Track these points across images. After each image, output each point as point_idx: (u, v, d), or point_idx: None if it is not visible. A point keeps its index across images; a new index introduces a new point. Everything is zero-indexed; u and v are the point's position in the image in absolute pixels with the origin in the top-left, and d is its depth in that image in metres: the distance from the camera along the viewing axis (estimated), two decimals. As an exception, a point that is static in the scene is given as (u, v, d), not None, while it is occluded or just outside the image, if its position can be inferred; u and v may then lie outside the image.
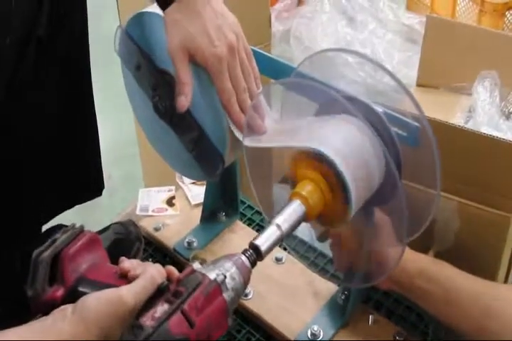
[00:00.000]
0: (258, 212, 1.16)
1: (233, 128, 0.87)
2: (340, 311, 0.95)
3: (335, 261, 0.98)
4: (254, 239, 0.73)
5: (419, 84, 1.62)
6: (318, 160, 0.76)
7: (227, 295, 0.69)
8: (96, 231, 1.08)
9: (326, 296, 0.99)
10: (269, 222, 0.75)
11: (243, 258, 0.72)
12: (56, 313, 0.65)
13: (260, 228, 1.14)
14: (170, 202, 1.21)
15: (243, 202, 1.18)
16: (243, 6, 1.39)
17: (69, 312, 0.65)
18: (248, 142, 0.85)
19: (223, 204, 1.13)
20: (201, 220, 1.12)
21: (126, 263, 0.72)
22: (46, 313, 0.66)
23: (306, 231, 1.02)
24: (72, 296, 0.67)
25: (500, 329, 0.79)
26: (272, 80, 0.94)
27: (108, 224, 1.13)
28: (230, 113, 0.85)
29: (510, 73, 1.47)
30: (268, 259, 1.03)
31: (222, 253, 0.74)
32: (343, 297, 0.96)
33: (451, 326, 0.85)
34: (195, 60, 0.83)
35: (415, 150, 0.79)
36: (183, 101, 0.83)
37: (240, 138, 0.86)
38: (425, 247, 1.05)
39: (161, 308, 0.65)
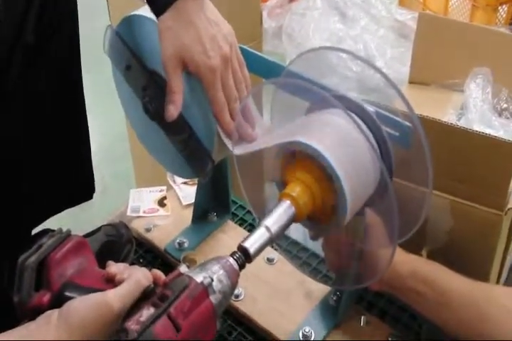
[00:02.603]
0: (250, 212, 1.16)
1: (223, 137, 0.87)
2: (332, 312, 0.95)
3: (327, 261, 0.97)
4: (243, 241, 0.73)
5: (411, 81, 1.61)
6: (309, 160, 0.75)
7: (214, 298, 0.68)
8: (87, 232, 1.08)
9: (317, 297, 0.98)
10: (259, 224, 0.74)
11: (231, 260, 0.71)
12: (41, 318, 0.65)
13: (252, 228, 1.13)
14: (161, 203, 1.20)
15: (235, 202, 1.18)
16: (234, 4, 1.38)
17: (54, 317, 0.64)
18: (238, 150, 0.85)
19: (214, 205, 1.13)
20: (192, 220, 1.12)
21: (113, 268, 0.71)
22: (33, 319, 0.65)
23: (299, 229, 1.01)
24: (59, 301, 0.66)
25: (491, 331, 0.79)
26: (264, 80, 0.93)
27: (100, 223, 1.13)
28: (220, 122, 0.86)
29: (502, 70, 1.46)
30: (260, 260, 1.04)
31: (214, 254, 0.74)
32: (334, 298, 0.96)
33: (443, 327, 0.85)
34: (189, 69, 0.83)
35: (407, 149, 0.78)
36: (172, 111, 0.83)
37: (230, 147, 0.87)
38: (418, 246, 1.04)
39: (147, 312, 0.64)
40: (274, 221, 0.74)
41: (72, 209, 1.24)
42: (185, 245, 1.08)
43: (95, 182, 1.25)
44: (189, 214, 1.12)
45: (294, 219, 0.76)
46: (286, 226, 0.75)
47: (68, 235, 0.75)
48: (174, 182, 1.23)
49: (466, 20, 1.94)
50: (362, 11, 2.14)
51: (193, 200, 1.12)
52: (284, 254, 1.02)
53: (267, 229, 0.73)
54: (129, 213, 1.17)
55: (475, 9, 1.90)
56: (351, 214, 0.77)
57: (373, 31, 2.08)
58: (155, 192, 1.23)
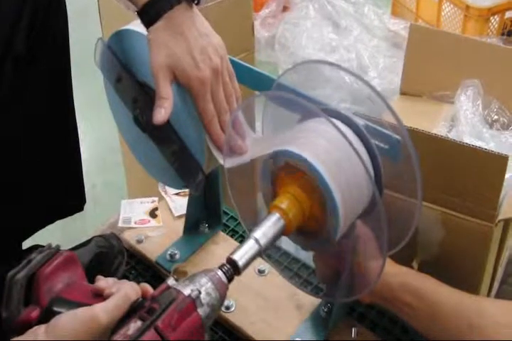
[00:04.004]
0: (241, 223, 1.15)
1: (213, 149, 0.87)
2: (323, 324, 0.95)
3: (317, 273, 0.97)
4: (232, 253, 0.73)
5: (402, 93, 1.62)
6: (299, 172, 0.75)
7: (202, 311, 0.68)
8: (78, 243, 1.08)
9: (308, 309, 0.98)
10: (248, 236, 0.75)
11: (219, 273, 0.71)
12: (28, 334, 0.64)
13: (243, 239, 1.12)
14: (153, 214, 1.19)
15: (226, 213, 1.17)
16: (226, 15, 1.39)
17: (41, 332, 0.64)
18: (228, 163, 0.85)
19: (206, 216, 1.12)
20: (184, 232, 1.12)
21: (102, 282, 0.71)
22: (21, 334, 0.65)
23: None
24: (48, 316, 0.66)
25: None
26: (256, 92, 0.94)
27: (91, 233, 1.13)
28: (210, 134, 0.86)
29: (493, 81, 1.47)
30: (251, 271, 1.04)
31: (205, 266, 0.74)
32: (325, 309, 0.95)
33: (433, 339, 0.85)
34: (179, 80, 0.83)
35: (396, 161, 0.78)
36: (160, 114, 0.82)
37: (220, 160, 0.87)
38: (409, 257, 1.04)
39: (134, 325, 0.64)
40: (263, 233, 0.74)
41: (64, 219, 1.24)
42: (177, 256, 1.07)
43: (87, 192, 1.25)
44: (180, 225, 1.12)
45: (283, 231, 0.76)
46: (276, 238, 0.76)
47: (57, 250, 0.75)
48: (166, 193, 1.23)
49: (458, 31, 1.95)
50: (355, 20, 2.14)
51: (184, 211, 1.12)
52: (275, 266, 1.02)
53: (256, 241, 0.74)
54: (120, 224, 1.17)
55: (467, 19, 1.91)
56: (342, 232, 0.77)
57: (366, 41, 2.08)
58: (146, 203, 1.22)
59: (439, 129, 1.40)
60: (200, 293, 0.68)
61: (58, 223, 1.23)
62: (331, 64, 0.82)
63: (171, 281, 0.70)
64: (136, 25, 0.86)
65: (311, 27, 2.11)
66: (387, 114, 0.77)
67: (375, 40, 2.10)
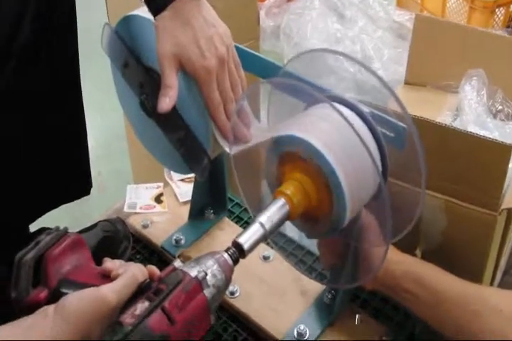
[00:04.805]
0: (246, 210, 1.16)
1: (218, 137, 0.88)
2: (327, 310, 0.95)
3: (322, 260, 0.98)
4: (237, 237, 0.74)
5: (407, 82, 1.63)
6: (304, 159, 0.76)
7: (208, 292, 0.69)
8: (84, 228, 1.08)
9: (313, 295, 0.99)
10: (253, 220, 0.75)
11: (225, 256, 0.72)
12: (37, 313, 0.66)
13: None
14: (158, 199, 1.20)
15: (231, 200, 1.18)
16: (232, 3, 1.39)
17: (50, 311, 0.65)
18: (234, 151, 0.86)
19: (211, 202, 1.13)
20: (189, 217, 1.12)
21: (109, 264, 0.72)
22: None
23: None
24: (56, 297, 0.67)
25: (481, 331, 0.79)
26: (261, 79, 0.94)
27: (97, 219, 1.13)
28: (216, 122, 0.86)
29: (498, 71, 1.47)
30: (256, 258, 1.04)
31: (210, 251, 0.74)
32: (329, 296, 0.96)
33: (435, 327, 0.86)
34: (185, 69, 0.83)
35: (402, 149, 0.79)
36: (165, 102, 0.83)
37: (225, 148, 0.88)
38: (412, 246, 1.05)
39: (142, 306, 0.66)
40: (268, 218, 0.75)
41: (70, 206, 1.25)
42: (182, 242, 1.08)
43: (93, 179, 1.26)
44: (186, 211, 1.12)
45: (288, 216, 0.77)
46: (281, 223, 0.76)
47: (65, 233, 0.76)
48: (171, 179, 1.24)
49: (463, 22, 1.94)
50: (360, 11, 2.14)
51: (189, 197, 1.12)
52: (280, 252, 1.03)
53: (261, 225, 0.74)
54: (125, 209, 1.18)
55: (472, 11, 1.90)
56: (348, 221, 0.78)
57: (371, 32, 2.08)
58: (152, 189, 1.23)
59: (444, 118, 1.40)
60: (206, 274, 0.69)
61: (65, 210, 1.24)
62: (335, 52, 0.82)
63: (177, 263, 0.71)
64: (144, 12, 0.87)
65: (316, 17, 2.10)
66: (392, 103, 0.77)
67: (379, 31, 2.09)
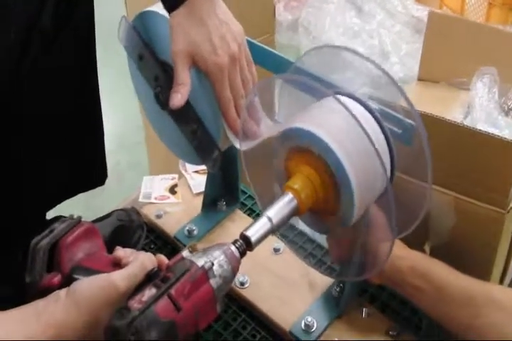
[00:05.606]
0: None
1: (229, 133, 0.90)
2: (335, 303, 0.96)
3: (331, 254, 0.99)
4: (245, 229, 0.76)
5: (420, 79, 1.63)
6: (312, 154, 0.77)
7: (214, 282, 0.71)
8: (99, 216, 1.11)
9: (321, 288, 1.00)
10: (261, 214, 0.77)
11: (233, 247, 0.74)
12: (49, 297, 0.68)
13: (259, 218, 1.15)
14: (172, 190, 1.22)
15: (244, 192, 1.19)
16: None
17: (62, 295, 0.68)
18: (244, 147, 0.88)
19: (224, 194, 1.15)
20: (202, 209, 1.14)
21: (120, 252, 0.75)
22: (43, 299, 0.69)
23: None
24: (68, 283, 0.70)
25: (483, 327, 0.80)
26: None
27: (113, 208, 1.15)
28: (226, 118, 0.89)
29: (510, 69, 1.47)
30: (266, 250, 1.06)
31: (221, 242, 0.76)
32: (337, 289, 0.97)
33: (441, 323, 0.86)
34: (197, 66, 0.85)
35: (409, 145, 0.80)
36: (177, 98, 0.85)
37: (235, 144, 0.90)
38: (421, 242, 1.06)
39: (149, 292, 0.68)
40: (276, 212, 0.77)
41: (87, 196, 1.27)
42: (195, 233, 1.10)
43: (111, 170, 1.27)
44: (199, 202, 1.14)
45: (295, 211, 0.78)
46: (288, 217, 0.78)
47: (79, 221, 0.78)
48: (186, 170, 1.26)
49: (482, 18, 1.94)
50: (378, 6, 2.13)
51: (203, 189, 1.14)
52: (290, 245, 1.04)
53: (269, 219, 0.76)
54: (140, 199, 1.20)
55: (491, 7, 1.90)
56: (356, 218, 0.79)
57: (389, 26, 2.08)
58: (166, 180, 1.25)
59: (455, 115, 1.41)
60: (213, 264, 0.71)
61: (81, 199, 1.25)
62: (346, 49, 0.83)
63: (185, 253, 0.73)
64: (161, 8, 0.89)
65: (334, 11, 2.10)
66: (402, 100, 0.78)
67: (397, 26, 2.09)
